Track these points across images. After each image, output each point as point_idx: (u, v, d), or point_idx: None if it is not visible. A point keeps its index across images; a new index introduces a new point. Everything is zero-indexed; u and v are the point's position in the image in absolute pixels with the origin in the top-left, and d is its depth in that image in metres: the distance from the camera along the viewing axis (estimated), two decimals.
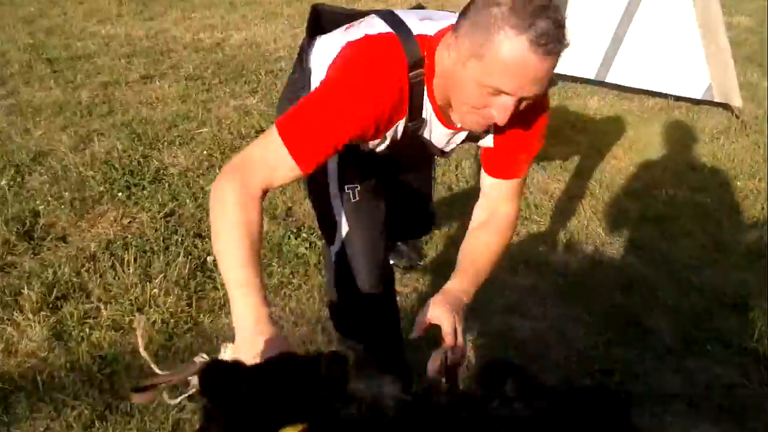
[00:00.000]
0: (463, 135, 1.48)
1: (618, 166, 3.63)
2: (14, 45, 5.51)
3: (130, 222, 2.87)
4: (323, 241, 1.86)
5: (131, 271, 2.49)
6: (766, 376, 2.06)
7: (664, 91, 4.60)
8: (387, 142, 1.46)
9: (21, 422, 1.84)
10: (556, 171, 3.54)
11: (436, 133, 1.47)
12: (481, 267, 1.43)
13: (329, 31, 1.59)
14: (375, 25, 1.38)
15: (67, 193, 3.01)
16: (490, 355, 2.15)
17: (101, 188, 3.10)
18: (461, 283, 1.38)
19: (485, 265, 1.44)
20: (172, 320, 2.27)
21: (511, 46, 1.12)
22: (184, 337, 2.18)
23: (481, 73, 1.16)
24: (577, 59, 4.57)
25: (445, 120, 1.41)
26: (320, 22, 1.63)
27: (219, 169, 3.01)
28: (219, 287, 2.42)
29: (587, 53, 4.55)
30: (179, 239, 2.72)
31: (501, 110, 1.20)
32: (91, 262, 2.55)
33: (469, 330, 2.28)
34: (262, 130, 3.29)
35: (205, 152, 3.52)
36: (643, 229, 2.93)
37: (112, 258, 2.58)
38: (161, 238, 2.71)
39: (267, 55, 5.44)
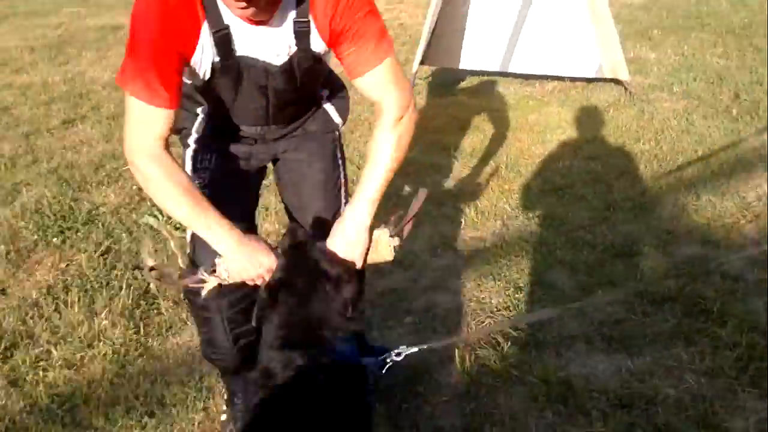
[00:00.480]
0: (284, 40, 1.49)
1: (521, 147, 3.97)
2: None
3: (67, 265, 2.98)
4: None
5: (76, 310, 2.62)
6: (648, 309, 2.39)
7: (561, 74, 5.01)
8: (214, 58, 1.48)
9: None
10: (467, 158, 3.86)
11: (250, 40, 1.48)
12: (379, 172, 1.54)
13: None
14: None
15: (1, 246, 3.11)
16: (415, 333, 2.41)
17: (35, 237, 3.21)
18: (356, 209, 1.55)
19: (386, 166, 1.54)
20: (122, 349, 2.41)
21: None
22: (136, 363, 2.35)
23: None
24: (480, 53, 4.94)
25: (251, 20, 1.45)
26: None
27: (149, 202, 3.22)
28: (163, 311, 2.60)
29: (490, 47, 4.91)
30: (118, 273, 2.86)
31: None
32: (35, 309, 2.67)
33: (397, 309, 2.54)
34: None
35: (134, 187, 3.64)
36: (544, 199, 3.26)
37: (56, 301, 2.70)
38: (101, 275, 2.85)
39: None
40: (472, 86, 5.25)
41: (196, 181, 1.61)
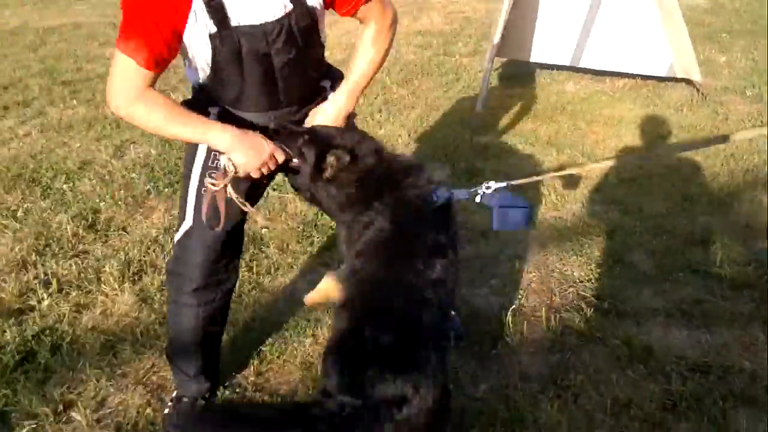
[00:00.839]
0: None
1: (596, 138, 4.13)
2: (27, 71, 5.90)
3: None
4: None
5: None
6: (727, 293, 2.56)
7: (632, 72, 5.12)
8: (210, 29, 1.58)
9: (129, 363, 2.29)
10: (543, 147, 4.04)
11: (244, 3, 1.58)
12: (361, 64, 1.82)
13: None
14: None
15: (122, 192, 3.45)
16: (502, 295, 2.63)
17: (147, 186, 3.54)
18: (337, 94, 1.82)
19: (366, 60, 1.81)
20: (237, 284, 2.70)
21: None
22: (250, 295, 2.64)
23: None
24: (551, 47, 5.09)
25: None
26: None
27: None
28: (270, 255, 2.88)
29: (561, 41, 5.05)
30: None
31: None
32: (155, 244, 3.00)
33: (484, 274, 2.75)
34: None
35: None
36: (621, 188, 3.43)
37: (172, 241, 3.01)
38: None
39: None
40: (542, 79, 5.40)
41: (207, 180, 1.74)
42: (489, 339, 2.36)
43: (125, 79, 1.60)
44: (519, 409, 2.04)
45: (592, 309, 2.49)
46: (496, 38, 4.74)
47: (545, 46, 5.11)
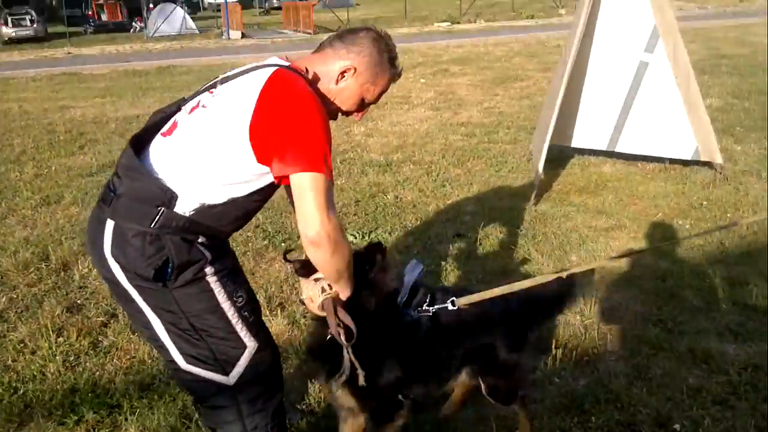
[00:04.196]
0: None
1: (637, 209, 4.98)
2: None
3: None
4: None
5: None
6: (762, 318, 3.29)
7: (660, 155, 6.03)
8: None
9: (295, 379, 2.99)
10: (594, 214, 4.89)
11: None
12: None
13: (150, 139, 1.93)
14: (264, 71, 1.83)
15: (249, 244, 4.27)
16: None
17: (264, 242, 4.35)
18: None
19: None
20: None
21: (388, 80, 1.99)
22: None
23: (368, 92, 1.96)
24: (590, 133, 6.03)
25: None
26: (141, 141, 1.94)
27: (346, 220, 4.39)
28: None
29: (599, 128, 6.00)
30: None
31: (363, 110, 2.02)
32: (286, 284, 3.77)
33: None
34: None
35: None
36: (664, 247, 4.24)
37: (295, 284, 3.78)
38: None
39: None
40: (583, 161, 6.32)
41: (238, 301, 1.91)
42: (577, 345, 3.08)
43: (331, 202, 1.72)
44: (616, 392, 2.74)
45: (658, 329, 3.22)
46: (551, 126, 5.60)
47: (585, 132, 6.06)
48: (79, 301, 3.75)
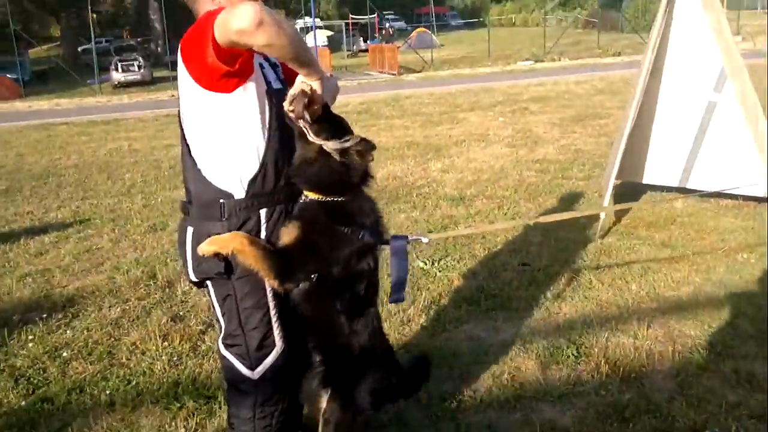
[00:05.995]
0: None
1: (704, 244, 5.13)
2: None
3: None
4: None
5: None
6: None
7: (733, 192, 6.10)
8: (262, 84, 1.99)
9: None
10: (658, 247, 5.11)
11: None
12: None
13: None
14: None
15: None
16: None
17: None
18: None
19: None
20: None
21: None
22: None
23: None
24: (662, 170, 6.21)
25: None
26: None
27: (416, 247, 4.87)
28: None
29: (670, 164, 6.17)
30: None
31: None
32: None
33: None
34: None
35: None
36: (735, 274, 4.40)
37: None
38: None
39: None
40: (652, 197, 6.49)
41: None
42: (627, 364, 3.35)
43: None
44: (656, 404, 3.00)
45: (707, 351, 3.43)
46: (616, 165, 5.85)
47: (656, 169, 6.24)
48: (181, 313, 4.36)
